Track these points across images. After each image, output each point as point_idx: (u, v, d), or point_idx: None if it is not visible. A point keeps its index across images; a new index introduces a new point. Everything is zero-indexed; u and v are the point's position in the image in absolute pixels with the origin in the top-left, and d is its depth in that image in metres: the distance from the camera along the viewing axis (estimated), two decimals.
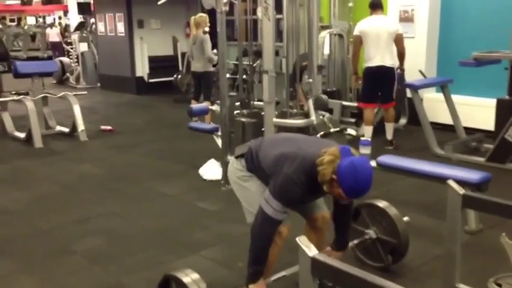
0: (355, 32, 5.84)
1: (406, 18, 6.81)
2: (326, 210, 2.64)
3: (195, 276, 2.19)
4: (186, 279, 2.18)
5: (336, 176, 2.13)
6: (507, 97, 5.27)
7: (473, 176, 3.29)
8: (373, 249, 2.90)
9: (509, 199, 2.23)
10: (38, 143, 6.32)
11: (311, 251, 1.68)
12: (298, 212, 2.61)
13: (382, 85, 5.75)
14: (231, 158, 2.65)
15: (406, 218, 2.89)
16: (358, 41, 5.77)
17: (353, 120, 6.35)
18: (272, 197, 2.24)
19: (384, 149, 5.43)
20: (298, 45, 4.81)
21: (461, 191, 2.33)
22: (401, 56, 5.81)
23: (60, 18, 23.98)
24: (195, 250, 3.35)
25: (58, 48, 16.23)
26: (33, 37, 21.24)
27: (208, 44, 6.60)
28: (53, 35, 16.90)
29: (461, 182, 2.51)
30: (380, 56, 5.63)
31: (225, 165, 4.66)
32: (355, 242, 2.85)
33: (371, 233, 2.86)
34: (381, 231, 2.86)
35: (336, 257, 2.61)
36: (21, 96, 6.71)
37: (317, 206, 2.60)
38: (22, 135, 6.67)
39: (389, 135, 5.83)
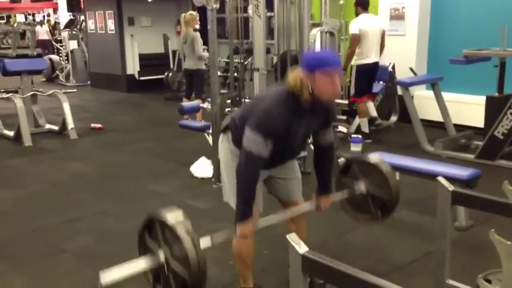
0: (354, 31, 5.88)
1: (397, 16, 6.84)
2: (301, 199, 2.67)
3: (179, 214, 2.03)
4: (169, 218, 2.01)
5: (303, 70, 2.21)
6: (497, 94, 5.31)
7: (462, 172, 3.32)
8: (363, 203, 2.80)
9: (499, 195, 2.24)
10: (27, 141, 6.27)
11: (301, 248, 1.68)
12: (277, 198, 2.65)
13: (372, 79, 6.09)
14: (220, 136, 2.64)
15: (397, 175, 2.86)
16: (358, 39, 5.84)
17: (344, 117, 6.37)
18: (252, 133, 2.21)
19: (372, 146, 5.46)
20: (290, 43, 4.81)
21: (450, 187, 2.34)
22: (382, 50, 6.07)
23: (48, 15, 23.77)
24: None
25: (47, 46, 16.10)
26: (22, 35, 21.04)
27: (199, 42, 6.60)
28: (42, 32, 16.77)
29: (451, 179, 2.52)
30: (375, 53, 5.88)
31: (216, 163, 4.66)
32: (346, 196, 2.79)
33: (361, 187, 2.74)
34: (372, 186, 2.75)
35: (325, 205, 2.61)
36: (10, 94, 6.65)
37: (293, 193, 2.63)
38: (11, 133, 6.61)
39: (366, 128, 6.02)
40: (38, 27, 17.40)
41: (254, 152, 2.22)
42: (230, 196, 2.51)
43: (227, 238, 2.33)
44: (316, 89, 2.20)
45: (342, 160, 3.14)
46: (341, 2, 7.27)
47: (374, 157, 2.79)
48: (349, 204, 2.87)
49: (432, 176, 2.73)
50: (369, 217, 2.81)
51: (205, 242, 2.10)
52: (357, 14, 6.00)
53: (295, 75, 2.24)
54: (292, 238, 1.71)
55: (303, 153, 4.32)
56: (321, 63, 2.19)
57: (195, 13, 6.76)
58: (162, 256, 1.97)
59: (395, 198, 2.68)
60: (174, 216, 1.98)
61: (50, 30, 17.66)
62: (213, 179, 4.59)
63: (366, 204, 2.78)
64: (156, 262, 1.98)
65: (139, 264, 2.00)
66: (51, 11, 23.15)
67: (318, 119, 2.41)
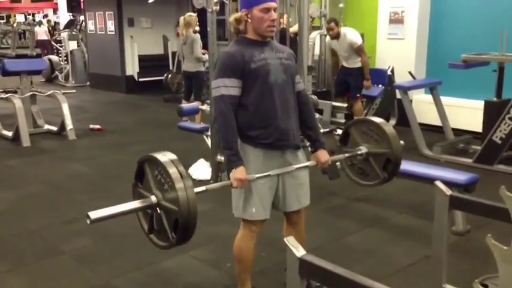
0: (361, 41, 6.15)
1: (396, 19, 6.86)
2: (302, 207, 2.62)
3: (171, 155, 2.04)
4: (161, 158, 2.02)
5: (241, 9, 2.37)
6: (495, 99, 5.32)
7: (460, 177, 3.33)
8: (366, 166, 2.77)
9: (496, 200, 2.25)
10: (25, 141, 6.27)
11: (299, 251, 1.69)
12: (276, 208, 2.55)
13: None
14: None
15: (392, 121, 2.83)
16: None
17: (343, 121, 6.37)
18: (218, 78, 2.34)
19: None
20: (289, 45, 4.82)
21: (448, 192, 2.35)
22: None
23: (46, 16, 23.76)
24: (185, 250, 3.34)
25: (46, 46, 16.12)
26: (22, 35, 21.06)
27: (198, 44, 6.60)
28: (41, 33, 16.78)
29: (448, 183, 2.54)
30: None
31: (214, 165, 4.66)
32: (348, 162, 2.78)
33: (362, 148, 2.71)
34: (372, 146, 2.71)
35: (324, 158, 2.54)
36: (9, 95, 6.64)
37: (294, 201, 2.55)
38: (9, 133, 6.61)
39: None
40: (36, 28, 17.43)
41: (224, 92, 2.32)
42: (235, 206, 2.50)
43: (222, 186, 2.31)
44: (255, 24, 2.35)
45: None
46: (341, 5, 7.31)
47: (371, 117, 2.78)
48: (352, 171, 2.84)
49: (430, 180, 2.74)
50: (375, 180, 2.76)
51: (199, 188, 2.10)
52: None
53: (235, 16, 2.41)
54: (290, 241, 1.72)
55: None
56: (257, 0, 2.31)
57: (194, 14, 6.77)
58: (153, 198, 2.00)
59: (397, 151, 2.64)
60: (165, 155, 2.01)
61: (49, 31, 17.65)
62: (212, 181, 4.59)
63: (369, 167, 2.74)
64: (147, 203, 2.01)
65: (130, 205, 2.02)
66: (50, 11, 23.15)
67: (282, 56, 2.43)
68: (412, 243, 3.47)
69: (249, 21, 2.36)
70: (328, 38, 6.55)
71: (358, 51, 6.12)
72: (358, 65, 6.19)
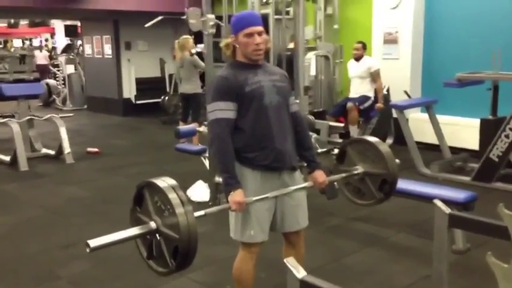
0: (379, 67, 6.46)
1: (390, 40, 6.94)
2: (306, 225, 2.61)
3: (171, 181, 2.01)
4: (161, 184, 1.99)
5: (230, 35, 2.41)
6: (490, 117, 5.36)
7: (459, 195, 3.33)
8: (362, 186, 2.77)
9: (496, 218, 2.25)
10: (23, 166, 6.25)
11: (300, 272, 1.68)
12: (274, 229, 2.53)
13: None
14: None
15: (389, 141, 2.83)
16: None
17: (340, 140, 6.39)
18: (213, 103, 2.36)
19: None
20: (285, 66, 4.86)
21: (447, 210, 2.35)
22: None
23: (46, 40, 23.94)
24: (184, 273, 3.29)
25: (45, 71, 16.22)
26: (20, 59, 21.18)
27: (200, 62, 6.58)
28: (41, 57, 16.89)
29: (447, 202, 2.53)
30: None
31: (213, 186, 4.66)
32: (344, 181, 2.78)
33: (359, 168, 2.71)
34: (368, 165, 2.71)
35: (321, 178, 2.54)
36: (7, 119, 6.65)
37: (292, 222, 2.54)
38: (7, 158, 6.59)
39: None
40: (37, 52, 17.54)
41: (220, 115, 2.33)
42: (233, 228, 2.49)
43: (221, 209, 2.29)
44: (242, 49, 2.39)
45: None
46: (335, 26, 7.39)
47: (367, 136, 2.80)
48: (349, 190, 2.84)
49: (429, 198, 2.73)
50: (370, 199, 2.76)
51: (198, 212, 2.08)
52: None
53: (225, 42, 2.46)
54: (290, 262, 1.71)
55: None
56: (241, 25, 2.37)
57: (189, 37, 6.82)
58: (153, 224, 1.98)
59: (393, 172, 2.64)
60: (164, 181, 1.99)
61: (49, 55, 17.76)
62: (210, 203, 4.57)
63: (365, 187, 2.75)
64: (146, 229, 1.98)
65: (129, 232, 1.99)
66: (49, 36, 23.32)
67: (275, 78, 2.45)
68: (412, 262, 3.45)
69: (237, 46, 2.40)
70: (351, 62, 6.70)
71: (375, 75, 6.41)
72: (367, 92, 6.45)
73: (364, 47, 6.53)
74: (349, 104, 6.46)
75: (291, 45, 6.33)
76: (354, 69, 6.56)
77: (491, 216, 2.27)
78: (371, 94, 6.48)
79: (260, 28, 2.38)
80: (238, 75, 2.37)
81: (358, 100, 6.46)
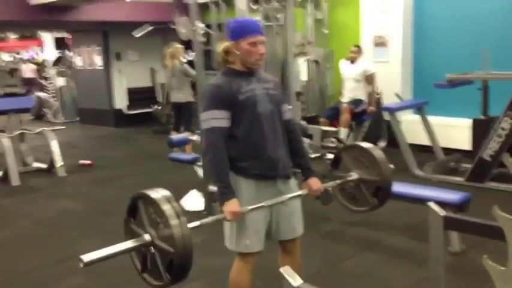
0: (375, 70, 6.49)
1: (380, 43, 6.96)
2: (301, 232, 2.60)
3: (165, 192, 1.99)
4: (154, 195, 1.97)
5: (229, 40, 2.37)
6: (482, 117, 5.38)
7: (453, 196, 3.33)
8: (357, 192, 2.77)
9: (490, 218, 2.24)
10: (15, 181, 6.20)
11: (296, 281, 1.66)
12: (269, 238, 2.52)
13: None
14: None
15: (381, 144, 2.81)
16: None
17: (334, 145, 6.39)
18: (207, 111, 2.34)
19: None
20: (276, 72, 4.86)
21: (442, 212, 2.34)
22: None
23: (37, 54, 23.84)
24: (179, 285, 3.28)
25: (33, 84, 16.19)
26: (10, 73, 21.06)
27: (191, 70, 6.56)
28: (28, 71, 16.82)
29: (442, 204, 2.53)
30: None
31: (207, 195, 4.63)
32: (339, 187, 2.77)
33: (353, 174, 2.71)
34: (363, 172, 2.71)
35: (316, 185, 2.53)
36: None
37: (288, 230, 2.52)
38: None
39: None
40: (23, 66, 17.46)
41: (214, 124, 2.32)
42: (228, 238, 2.48)
43: (216, 220, 2.27)
44: (243, 57, 2.36)
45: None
46: (326, 31, 7.42)
47: (361, 143, 2.80)
48: (343, 196, 2.83)
49: (423, 201, 2.73)
50: (365, 206, 2.76)
51: (193, 224, 2.06)
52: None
53: (222, 46, 2.42)
54: (286, 271, 1.70)
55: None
56: (245, 33, 2.34)
57: (180, 46, 6.81)
58: (147, 236, 1.96)
59: (387, 178, 2.65)
60: (158, 192, 1.97)
61: (36, 68, 17.67)
62: (205, 212, 4.55)
63: (360, 193, 2.75)
64: (140, 242, 1.96)
65: (123, 245, 1.97)
66: (38, 49, 23.23)
67: (268, 86, 2.45)
68: (409, 265, 3.44)
69: (237, 52, 2.37)
70: (344, 62, 6.72)
71: (370, 78, 6.46)
72: (361, 96, 6.49)
73: (360, 50, 6.57)
74: (344, 105, 6.46)
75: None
76: (349, 70, 6.57)
77: (485, 216, 2.27)
78: (364, 98, 6.49)
79: (264, 38, 2.38)
80: (232, 83, 2.36)
81: (352, 103, 6.47)
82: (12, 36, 19.13)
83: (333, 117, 6.64)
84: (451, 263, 3.22)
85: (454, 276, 3.01)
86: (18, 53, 25.19)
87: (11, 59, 22.12)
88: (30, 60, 19.71)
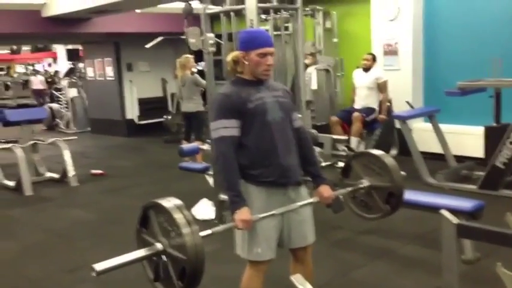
0: (387, 78, 6.49)
1: (390, 51, 6.94)
2: (308, 244, 2.57)
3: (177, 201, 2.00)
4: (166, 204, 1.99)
5: (239, 50, 2.39)
6: (495, 124, 5.33)
7: (466, 204, 3.29)
8: (369, 200, 2.75)
9: (503, 226, 2.22)
10: (27, 191, 6.25)
11: None
12: (281, 246, 2.50)
13: None
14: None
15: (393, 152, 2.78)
16: None
17: (344, 153, 6.36)
18: (216, 120, 2.35)
19: None
20: (286, 81, 4.87)
21: (455, 220, 2.32)
22: None
23: (49, 65, 24.14)
24: None
25: (42, 95, 16.39)
26: (23, 85, 21.36)
27: (201, 80, 6.59)
28: (37, 82, 17.02)
29: (455, 211, 2.51)
30: None
31: (218, 204, 4.63)
32: (350, 195, 2.75)
33: (364, 182, 2.70)
34: (374, 179, 2.70)
35: (327, 193, 2.51)
36: (11, 145, 6.67)
37: (299, 238, 2.51)
38: (12, 183, 6.59)
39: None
40: (32, 77, 17.67)
41: (224, 133, 2.33)
42: (240, 246, 2.47)
43: (228, 228, 2.28)
44: (251, 67, 2.38)
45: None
46: (335, 40, 7.43)
47: (371, 150, 2.79)
48: (355, 204, 2.82)
49: (436, 209, 2.71)
50: (377, 213, 2.74)
51: (205, 232, 2.06)
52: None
53: (231, 56, 2.44)
54: (298, 280, 1.69)
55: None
56: (255, 44, 2.36)
57: (190, 56, 6.86)
58: (159, 245, 1.96)
59: (399, 184, 2.62)
60: (169, 201, 1.98)
61: (46, 80, 17.86)
62: (216, 221, 4.54)
63: (372, 200, 2.73)
64: (152, 251, 1.97)
65: (135, 254, 1.98)
66: (51, 60, 23.52)
67: (278, 94, 2.45)
68: (421, 274, 3.40)
69: (246, 63, 2.38)
70: (358, 71, 6.70)
71: (382, 86, 6.44)
72: (373, 104, 6.46)
73: (374, 58, 6.55)
74: (356, 114, 6.42)
75: (306, 61, 6.57)
76: (362, 79, 6.56)
77: (499, 224, 2.25)
78: (376, 106, 6.48)
79: (273, 49, 2.40)
80: (241, 92, 2.37)
81: (364, 111, 6.44)
82: (25, 48, 19.37)
83: (345, 118, 6.58)
84: (464, 271, 3.17)
85: (468, 285, 2.97)
86: (32, 65, 25.52)
87: (24, 70, 22.41)
88: (40, 72, 19.96)
